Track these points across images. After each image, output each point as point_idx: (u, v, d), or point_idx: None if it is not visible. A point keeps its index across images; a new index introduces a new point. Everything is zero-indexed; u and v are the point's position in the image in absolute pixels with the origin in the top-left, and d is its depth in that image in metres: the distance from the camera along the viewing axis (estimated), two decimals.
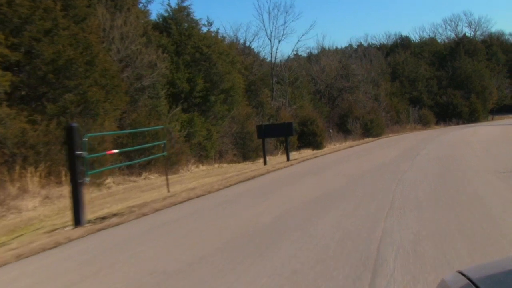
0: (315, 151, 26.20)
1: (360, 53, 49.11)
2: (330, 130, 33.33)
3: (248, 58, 29.58)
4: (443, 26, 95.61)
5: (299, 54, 43.82)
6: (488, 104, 50.93)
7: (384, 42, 71.74)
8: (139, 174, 15.35)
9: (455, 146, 17.85)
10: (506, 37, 69.52)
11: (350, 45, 59.63)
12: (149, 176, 15.76)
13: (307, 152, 24.83)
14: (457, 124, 46.89)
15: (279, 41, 32.31)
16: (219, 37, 23.24)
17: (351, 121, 35.80)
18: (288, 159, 16.91)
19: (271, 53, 32.25)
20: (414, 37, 72.50)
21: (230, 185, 10.59)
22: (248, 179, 11.58)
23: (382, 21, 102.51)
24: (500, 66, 55.42)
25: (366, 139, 33.78)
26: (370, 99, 42.09)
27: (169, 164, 14.87)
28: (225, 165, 21.89)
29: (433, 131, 39.17)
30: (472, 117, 49.07)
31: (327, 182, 10.25)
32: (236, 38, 31.36)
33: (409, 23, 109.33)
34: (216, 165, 20.75)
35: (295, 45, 63.25)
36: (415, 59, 52.40)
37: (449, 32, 61.86)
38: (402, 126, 42.78)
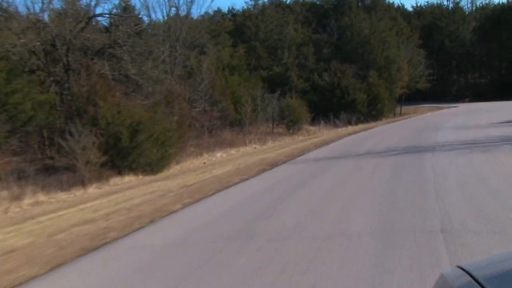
0: None
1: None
2: None
3: None
4: None
5: None
6: (395, 88, 31.15)
7: (251, 8, 50.40)
8: None
9: None
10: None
11: (203, 16, 36.94)
12: None
13: None
14: (350, 123, 26.28)
15: None
16: None
17: (78, 131, 13.18)
18: None
19: None
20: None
21: None
22: None
23: None
24: (411, 30, 36.10)
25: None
26: (173, 77, 19.80)
27: None
28: None
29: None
30: (372, 110, 28.91)
31: None
32: None
33: None
34: None
35: None
36: (280, 12, 31.14)
37: None
38: (242, 131, 21.02)
